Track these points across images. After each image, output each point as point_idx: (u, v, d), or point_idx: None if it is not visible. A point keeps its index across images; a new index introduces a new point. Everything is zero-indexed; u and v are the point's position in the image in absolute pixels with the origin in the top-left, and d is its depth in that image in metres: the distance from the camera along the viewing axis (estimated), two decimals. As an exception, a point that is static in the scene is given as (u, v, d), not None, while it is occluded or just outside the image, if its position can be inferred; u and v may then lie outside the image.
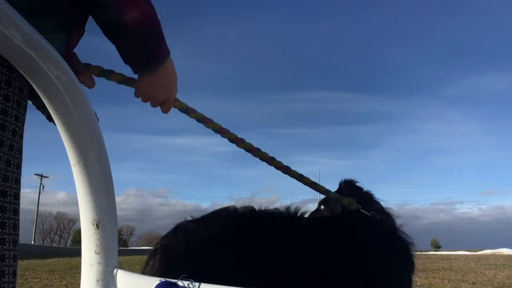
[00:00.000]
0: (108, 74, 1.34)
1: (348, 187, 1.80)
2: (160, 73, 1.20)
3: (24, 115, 0.97)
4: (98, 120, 1.02)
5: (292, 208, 1.56)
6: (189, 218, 1.45)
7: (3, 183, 0.89)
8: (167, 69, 1.21)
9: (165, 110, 1.35)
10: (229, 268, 1.25)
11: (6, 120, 0.89)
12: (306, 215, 1.63)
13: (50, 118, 1.33)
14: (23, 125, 0.96)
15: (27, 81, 0.89)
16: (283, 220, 1.50)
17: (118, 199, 1.11)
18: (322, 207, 1.79)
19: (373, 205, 1.73)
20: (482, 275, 9.52)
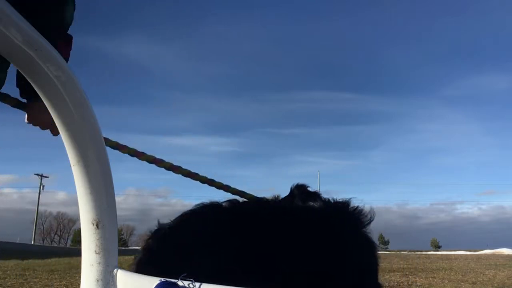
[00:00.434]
0: (3, 97, 1.41)
1: (300, 191, 1.79)
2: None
3: None
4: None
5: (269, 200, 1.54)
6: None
7: None
8: None
9: (57, 133, 1.44)
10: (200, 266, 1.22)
11: None
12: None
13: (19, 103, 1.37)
14: None
15: None
16: (262, 215, 1.47)
17: (118, 199, 1.11)
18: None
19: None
20: (482, 275, 9.52)
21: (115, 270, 1.02)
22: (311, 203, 1.55)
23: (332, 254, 1.35)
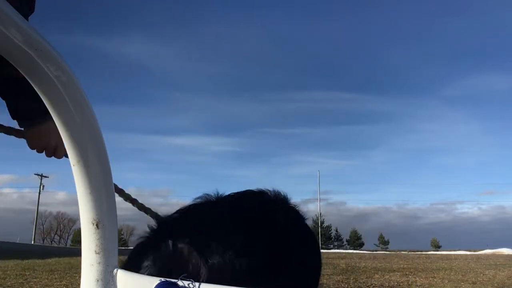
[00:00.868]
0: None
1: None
2: (49, 123, 1.33)
3: None
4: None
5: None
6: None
7: None
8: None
9: (59, 156, 1.48)
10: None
11: None
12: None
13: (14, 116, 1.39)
14: None
15: None
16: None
17: (118, 199, 1.11)
18: None
19: None
20: (482, 275, 9.53)
21: (115, 270, 1.02)
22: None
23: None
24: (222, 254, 1.22)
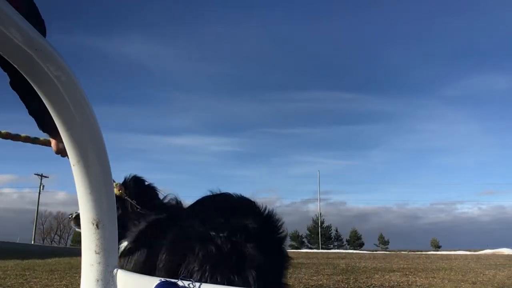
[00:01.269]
0: (15, 136, 1.76)
1: (134, 181, 1.97)
2: None
3: None
4: None
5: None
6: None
7: None
8: None
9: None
10: None
11: None
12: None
13: (42, 127, 1.62)
14: None
15: None
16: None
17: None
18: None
19: (155, 197, 1.98)
20: (482, 275, 9.52)
21: (115, 270, 1.02)
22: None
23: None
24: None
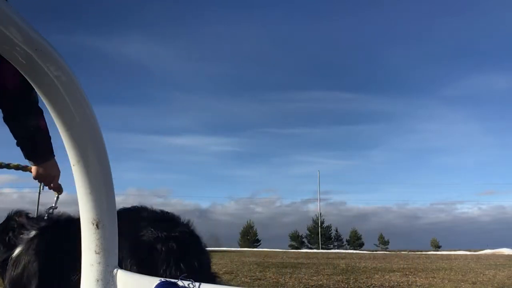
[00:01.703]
0: (5, 165, 1.93)
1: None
2: (53, 160, 1.87)
3: None
4: None
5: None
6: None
7: None
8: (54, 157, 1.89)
9: (56, 185, 2.02)
10: None
11: None
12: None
13: (29, 156, 1.79)
14: None
15: None
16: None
17: (118, 199, 1.11)
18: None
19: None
20: (482, 275, 9.52)
21: (115, 270, 1.03)
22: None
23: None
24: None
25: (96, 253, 1.02)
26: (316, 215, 57.62)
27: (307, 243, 57.62)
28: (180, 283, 0.83)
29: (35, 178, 1.85)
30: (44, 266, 1.62)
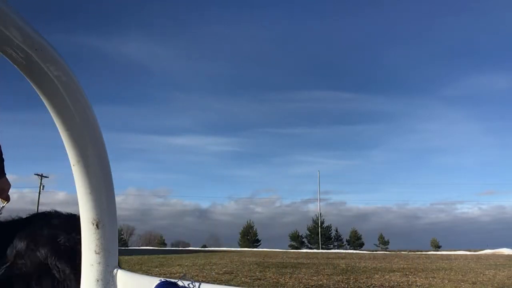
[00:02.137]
0: None
1: None
2: (4, 178, 2.21)
3: None
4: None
5: None
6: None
7: None
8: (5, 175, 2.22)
9: (5, 195, 2.28)
10: None
11: None
12: None
13: None
14: None
15: None
16: None
17: (118, 199, 1.11)
18: None
19: None
20: (482, 275, 9.53)
21: (115, 270, 1.03)
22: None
23: None
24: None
25: (96, 253, 1.02)
26: (316, 215, 57.71)
27: (307, 243, 57.68)
28: (180, 283, 0.83)
29: None
30: None
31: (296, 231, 58.77)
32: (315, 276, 8.75)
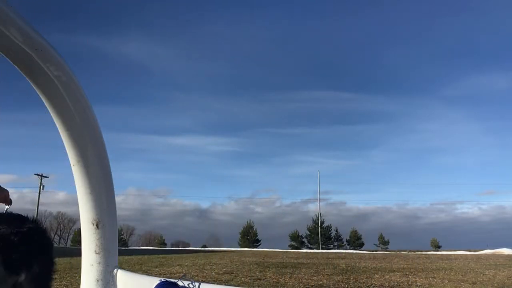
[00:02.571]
0: None
1: None
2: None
3: None
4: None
5: None
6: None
7: None
8: None
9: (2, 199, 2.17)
10: None
11: None
12: None
13: None
14: None
15: None
16: None
17: (118, 199, 1.11)
18: None
19: None
20: (482, 275, 9.52)
21: (115, 270, 1.03)
22: None
23: None
24: None
25: (96, 253, 1.02)
26: (316, 215, 57.69)
27: (307, 243, 57.65)
28: (180, 283, 0.83)
29: None
30: None
31: (296, 231, 58.80)
32: (315, 276, 8.75)
